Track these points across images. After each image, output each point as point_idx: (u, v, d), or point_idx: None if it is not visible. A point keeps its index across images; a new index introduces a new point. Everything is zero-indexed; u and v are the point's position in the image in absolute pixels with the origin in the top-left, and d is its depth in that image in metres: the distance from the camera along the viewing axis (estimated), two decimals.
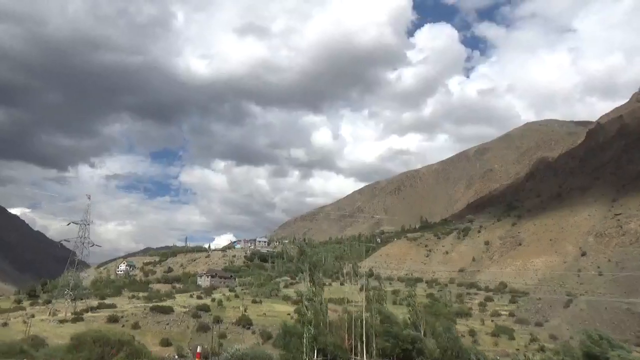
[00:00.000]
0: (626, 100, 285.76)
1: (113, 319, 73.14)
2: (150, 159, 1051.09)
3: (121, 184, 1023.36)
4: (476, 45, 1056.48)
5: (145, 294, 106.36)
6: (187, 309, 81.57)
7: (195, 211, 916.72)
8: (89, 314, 76.99)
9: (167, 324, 76.22)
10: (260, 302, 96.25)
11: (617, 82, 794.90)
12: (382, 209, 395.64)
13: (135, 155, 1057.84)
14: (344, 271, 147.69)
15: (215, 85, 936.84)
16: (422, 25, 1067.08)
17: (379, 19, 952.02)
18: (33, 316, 75.49)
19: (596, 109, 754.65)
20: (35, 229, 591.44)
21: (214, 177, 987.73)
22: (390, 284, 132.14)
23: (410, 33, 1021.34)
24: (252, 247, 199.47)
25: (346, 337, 33.57)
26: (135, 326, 72.50)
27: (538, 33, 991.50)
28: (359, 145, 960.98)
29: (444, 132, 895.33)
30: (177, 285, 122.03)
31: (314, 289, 35.73)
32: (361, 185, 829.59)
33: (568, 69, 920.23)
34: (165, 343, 68.84)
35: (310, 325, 33.58)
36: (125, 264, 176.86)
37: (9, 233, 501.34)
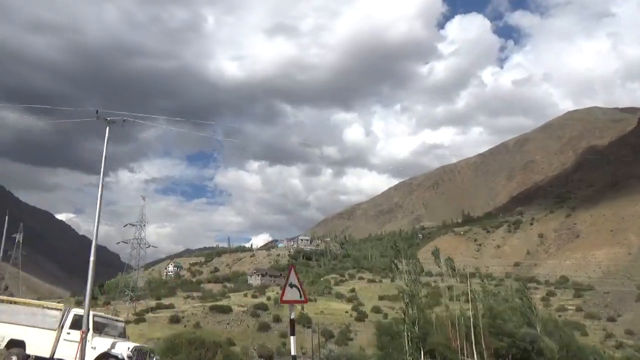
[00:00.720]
0: None
1: (175, 320, 73.11)
2: (186, 162, 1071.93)
3: (159, 187, 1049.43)
4: (509, 35, 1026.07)
5: (199, 293, 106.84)
6: (246, 308, 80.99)
7: (231, 212, 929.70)
8: (150, 314, 77.29)
9: (228, 323, 75.73)
10: (315, 300, 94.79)
11: None
12: (421, 204, 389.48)
13: (171, 158, 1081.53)
14: (398, 267, 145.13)
15: (246, 86, 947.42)
16: (453, 17, 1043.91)
17: (408, 12, 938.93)
18: None
19: (639, 95, 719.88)
20: (81, 233, 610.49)
21: (248, 177, 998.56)
22: (442, 279, 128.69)
23: (441, 25, 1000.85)
24: (295, 245, 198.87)
25: (454, 337, 31.42)
26: (197, 326, 72.08)
27: (574, 20, 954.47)
28: (392, 141, 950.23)
29: (478, 124, 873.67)
30: (228, 285, 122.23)
31: (412, 284, 33.33)
32: (395, 181, 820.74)
33: (607, 55, 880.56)
34: (229, 343, 68.27)
35: (415, 324, 31.42)
36: (173, 264, 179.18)
37: (56, 238, 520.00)
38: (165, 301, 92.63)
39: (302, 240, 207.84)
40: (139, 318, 73.74)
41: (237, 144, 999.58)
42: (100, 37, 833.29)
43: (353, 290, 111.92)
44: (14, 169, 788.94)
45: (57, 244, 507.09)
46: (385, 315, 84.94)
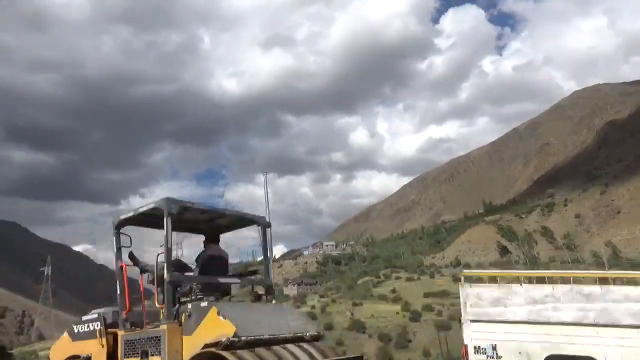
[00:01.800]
0: None
1: None
2: (195, 182, 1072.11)
3: None
4: (505, 22, 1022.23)
5: None
6: None
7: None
8: None
9: None
10: (361, 304, 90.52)
11: None
12: (439, 198, 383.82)
13: (180, 180, 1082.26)
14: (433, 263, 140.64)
15: (248, 100, 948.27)
16: (446, 11, 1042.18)
17: (402, 10, 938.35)
18: None
19: None
20: (99, 262, 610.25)
21: (258, 191, 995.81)
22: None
23: (435, 20, 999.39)
24: (320, 251, 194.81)
25: None
26: None
27: (569, 0, 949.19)
28: (398, 140, 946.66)
29: (483, 114, 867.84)
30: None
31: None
32: (405, 179, 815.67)
33: (606, 32, 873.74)
34: None
35: None
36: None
37: (76, 270, 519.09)
38: None
39: (327, 245, 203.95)
40: None
41: (244, 159, 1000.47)
42: (100, 69, 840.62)
43: (394, 290, 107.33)
44: (27, 206, 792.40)
45: (77, 275, 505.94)
46: (440, 313, 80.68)
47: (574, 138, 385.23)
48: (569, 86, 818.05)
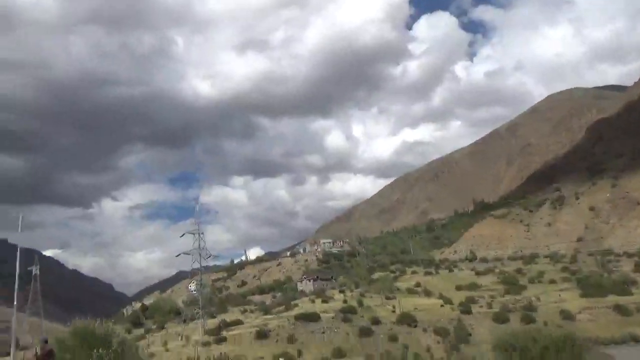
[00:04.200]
0: None
1: (262, 335, 61.90)
2: (168, 185, 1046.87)
3: (144, 213, 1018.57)
4: (476, 29, 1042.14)
5: (253, 306, 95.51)
6: (333, 314, 69.95)
7: (221, 229, 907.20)
8: (228, 332, 65.58)
9: (322, 332, 64.53)
10: (394, 297, 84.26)
11: (624, 46, 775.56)
12: (425, 197, 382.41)
13: (153, 183, 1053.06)
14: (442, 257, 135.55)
15: (222, 104, 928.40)
16: (420, 17, 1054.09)
17: (376, 16, 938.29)
18: (166, 342, 64.42)
19: (608, 74, 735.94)
20: (70, 267, 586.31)
21: (234, 194, 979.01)
22: (502, 264, 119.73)
23: (409, 26, 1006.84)
24: (318, 249, 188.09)
25: None
26: (291, 340, 61.11)
27: (536, 9, 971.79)
28: (373, 143, 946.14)
29: (456, 118, 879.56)
30: (276, 295, 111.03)
31: None
32: (381, 181, 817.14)
33: (572, 40, 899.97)
34: (338, 354, 57.34)
35: None
36: (195, 282, 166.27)
37: (47, 275, 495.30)
38: (223, 317, 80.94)
39: (324, 243, 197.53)
40: (219, 338, 62.13)
41: (218, 161, 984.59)
42: (69, 70, 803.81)
43: (418, 284, 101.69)
44: None
45: (48, 280, 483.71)
46: (489, 305, 75.39)
47: (554, 138, 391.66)
48: (539, 91, 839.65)
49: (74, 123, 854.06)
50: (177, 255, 73.67)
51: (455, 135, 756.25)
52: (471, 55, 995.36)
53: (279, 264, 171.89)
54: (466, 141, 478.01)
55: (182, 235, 72.08)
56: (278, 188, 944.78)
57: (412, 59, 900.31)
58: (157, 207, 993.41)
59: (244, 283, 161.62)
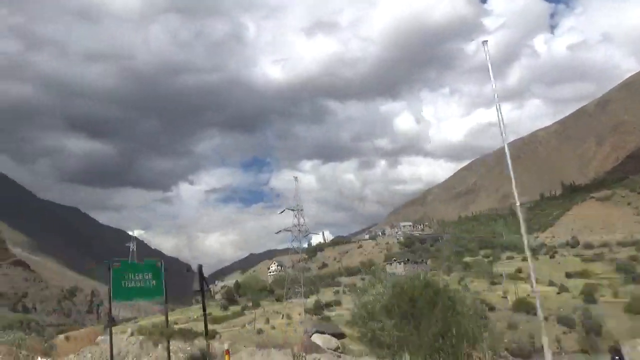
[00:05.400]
0: None
1: None
2: (241, 169, 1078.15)
3: (219, 196, 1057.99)
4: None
5: (343, 287, 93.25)
6: None
7: (290, 214, 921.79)
8: (331, 312, 63.44)
9: None
10: (499, 283, 78.45)
11: None
12: (506, 180, 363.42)
13: (228, 167, 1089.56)
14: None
15: (292, 88, 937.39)
16: None
17: None
18: (268, 320, 63.42)
19: None
20: (152, 247, 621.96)
21: (303, 177, 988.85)
22: (610, 250, 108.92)
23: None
24: (399, 232, 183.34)
25: None
26: None
27: None
28: (444, 125, 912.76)
29: (535, 96, 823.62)
30: (364, 277, 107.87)
31: None
32: (453, 165, 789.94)
33: None
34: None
35: None
36: (276, 264, 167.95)
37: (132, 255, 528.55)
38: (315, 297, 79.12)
39: (404, 226, 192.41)
40: (322, 317, 60.01)
41: (288, 146, 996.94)
42: (149, 60, 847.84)
43: (520, 270, 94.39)
44: (86, 193, 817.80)
45: (135, 258, 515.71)
46: (615, 294, 67.76)
47: None
48: (629, 64, 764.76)
49: (154, 110, 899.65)
50: (277, 232, 72.76)
51: (534, 114, 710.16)
52: (552, 28, 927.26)
53: (359, 247, 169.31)
54: (546, 121, 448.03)
55: (282, 212, 70.83)
56: (347, 172, 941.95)
57: (487, 34, 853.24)
58: (231, 190, 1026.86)
59: (324, 265, 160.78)
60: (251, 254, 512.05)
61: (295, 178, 73.84)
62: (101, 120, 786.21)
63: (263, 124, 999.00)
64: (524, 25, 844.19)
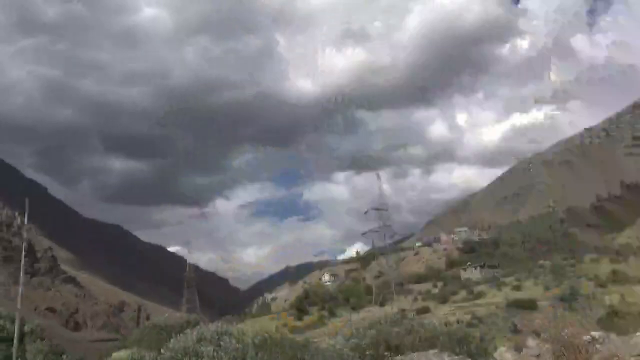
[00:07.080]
0: None
1: (470, 323, 51.68)
2: (274, 183, 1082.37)
3: (254, 210, 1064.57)
4: None
5: (417, 294, 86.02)
6: (549, 301, 57.82)
7: (324, 225, 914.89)
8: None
9: (549, 321, 52.79)
10: (605, 286, 69.52)
11: None
12: (555, 184, 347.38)
13: (261, 182, 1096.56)
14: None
15: (323, 99, 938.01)
16: None
17: None
18: None
19: None
20: (191, 262, 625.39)
21: (336, 189, 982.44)
22: None
23: (516, 0, 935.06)
24: (456, 238, 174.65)
25: None
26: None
27: None
28: (479, 131, 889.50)
29: (574, 98, 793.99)
30: (436, 283, 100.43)
31: None
32: (487, 171, 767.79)
33: None
34: None
35: None
36: (328, 274, 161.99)
37: (171, 269, 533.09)
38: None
39: (460, 232, 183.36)
40: None
41: (320, 158, 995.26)
42: (184, 78, 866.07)
43: (614, 272, 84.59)
44: (127, 211, 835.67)
45: (172, 275, 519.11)
46: None
47: None
48: None
49: (190, 128, 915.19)
50: (363, 234, 67.63)
51: (575, 116, 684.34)
52: (590, 26, 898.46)
53: (416, 254, 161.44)
54: (589, 122, 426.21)
55: (366, 212, 65.25)
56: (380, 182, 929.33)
57: (522, 35, 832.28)
58: (265, 204, 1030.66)
59: (381, 273, 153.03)
60: (287, 267, 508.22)
61: (378, 175, 67.79)
62: (138, 139, 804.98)
63: (295, 137, 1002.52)
64: (561, 24, 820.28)
